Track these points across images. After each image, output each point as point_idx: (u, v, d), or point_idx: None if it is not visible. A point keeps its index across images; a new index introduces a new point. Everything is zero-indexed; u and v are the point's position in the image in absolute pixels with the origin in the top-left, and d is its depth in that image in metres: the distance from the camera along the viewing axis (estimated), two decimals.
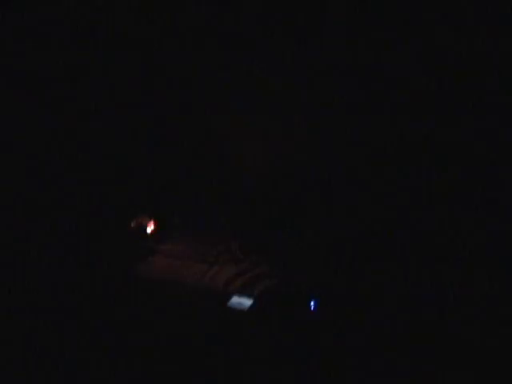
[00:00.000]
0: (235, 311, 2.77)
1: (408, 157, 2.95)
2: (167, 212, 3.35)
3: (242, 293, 2.83)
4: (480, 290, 2.66)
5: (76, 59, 3.26)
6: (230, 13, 3.11)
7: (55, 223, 3.20)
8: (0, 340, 2.84)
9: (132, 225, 3.24)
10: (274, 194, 3.20)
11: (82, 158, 3.33)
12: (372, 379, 2.59)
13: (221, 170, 3.35)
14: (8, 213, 3.18)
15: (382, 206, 2.96)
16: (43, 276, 3.07)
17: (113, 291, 3.05)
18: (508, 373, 2.46)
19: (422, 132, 2.88)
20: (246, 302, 2.77)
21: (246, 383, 2.68)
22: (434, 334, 2.60)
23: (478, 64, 2.78)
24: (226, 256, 3.08)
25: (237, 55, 3.17)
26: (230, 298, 2.82)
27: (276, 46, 3.10)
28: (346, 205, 3.04)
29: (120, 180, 3.32)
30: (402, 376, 2.55)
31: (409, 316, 2.68)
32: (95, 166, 3.32)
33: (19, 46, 3.25)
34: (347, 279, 2.85)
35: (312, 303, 2.80)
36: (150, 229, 3.23)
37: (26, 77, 3.25)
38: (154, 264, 3.16)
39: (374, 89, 2.97)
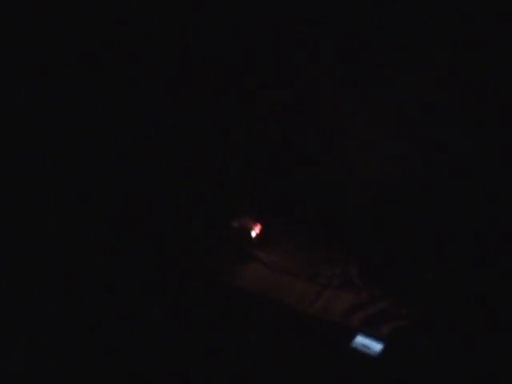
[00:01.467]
0: (359, 353, 2.42)
1: None
2: (271, 216, 2.98)
3: (365, 331, 2.48)
4: None
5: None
6: None
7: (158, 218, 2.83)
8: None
9: (235, 225, 2.86)
10: (403, 210, 2.81)
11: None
12: None
13: (338, 175, 2.96)
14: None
15: None
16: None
17: (205, 294, 2.71)
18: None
19: None
20: (374, 346, 2.42)
21: None
22: None
23: None
24: (341, 280, 2.72)
25: None
26: (353, 335, 2.47)
27: None
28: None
29: (227, 177, 2.95)
30: None
31: None
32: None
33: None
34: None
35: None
36: (254, 232, 2.85)
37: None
38: (252, 272, 2.80)
39: None
